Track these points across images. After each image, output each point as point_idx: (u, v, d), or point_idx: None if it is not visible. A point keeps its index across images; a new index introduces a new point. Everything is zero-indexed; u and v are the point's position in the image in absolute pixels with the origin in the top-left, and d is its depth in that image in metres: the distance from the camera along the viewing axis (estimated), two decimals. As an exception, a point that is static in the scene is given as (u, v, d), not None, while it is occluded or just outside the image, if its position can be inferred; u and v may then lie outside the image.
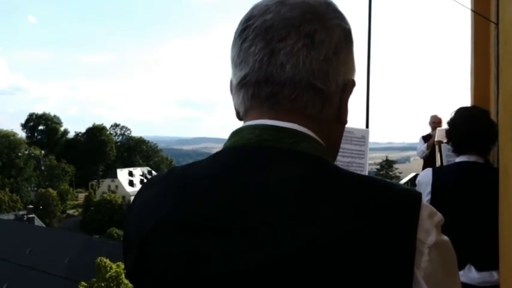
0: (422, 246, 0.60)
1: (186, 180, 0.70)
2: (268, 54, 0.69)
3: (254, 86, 0.71)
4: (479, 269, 2.25)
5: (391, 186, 0.65)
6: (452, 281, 0.66)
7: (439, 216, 0.64)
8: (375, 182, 0.65)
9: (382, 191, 0.63)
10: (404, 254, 0.59)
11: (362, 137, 1.83)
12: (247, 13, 0.73)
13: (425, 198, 2.36)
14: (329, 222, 0.60)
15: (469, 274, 2.25)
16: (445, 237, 0.64)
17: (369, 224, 0.59)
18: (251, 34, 0.70)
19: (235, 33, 0.74)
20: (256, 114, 0.72)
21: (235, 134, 0.73)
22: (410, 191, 0.64)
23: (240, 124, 0.76)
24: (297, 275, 0.58)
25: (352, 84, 0.75)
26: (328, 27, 0.71)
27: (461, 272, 2.24)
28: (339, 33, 0.72)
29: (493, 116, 2.61)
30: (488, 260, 2.25)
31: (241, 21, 0.74)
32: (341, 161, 1.77)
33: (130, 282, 0.74)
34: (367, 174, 1.86)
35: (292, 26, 0.69)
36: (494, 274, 2.25)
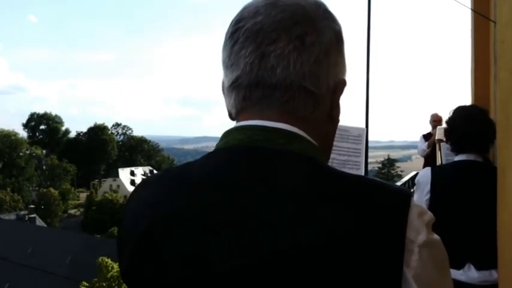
0: (412, 245, 0.60)
1: (182, 180, 0.71)
2: (258, 57, 0.68)
3: (245, 89, 0.71)
4: (478, 268, 2.25)
5: (382, 186, 0.65)
6: (443, 280, 0.66)
7: (429, 216, 0.64)
8: (366, 182, 0.65)
9: (373, 190, 0.64)
10: (394, 252, 0.59)
11: (358, 136, 1.82)
12: (238, 14, 0.73)
13: (425, 197, 2.36)
14: (321, 221, 0.60)
15: (469, 273, 2.25)
16: (436, 236, 0.64)
17: (360, 223, 0.60)
18: (241, 37, 0.70)
19: (226, 34, 0.74)
20: (248, 115, 0.72)
21: (227, 134, 0.73)
22: (401, 190, 0.65)
23: (232, 124, 0.76)
24: (294, 274, 0.58)
25: (343, 84, 0.75)
26: (319, 29, 0.70)
27: (460, 271, 2.24)
28: (330, 35, 0.72)
29: (492, 115, 2.61)
30: (487, 259, 2.24)
31: (231, 22, 0.73)
32: (337, 159, 1.78)
33: (125, 282, 0.74)
34: (363, 172, 1.86)
35: (282, 28, 0.68)
36: (494, 273, 2.24)
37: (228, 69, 0.73)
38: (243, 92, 0.71)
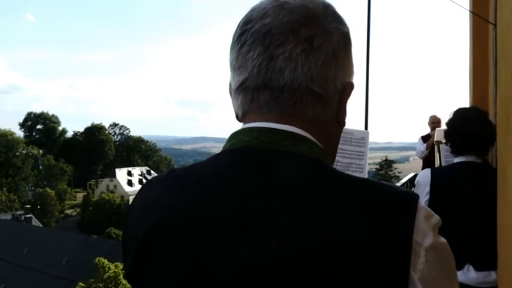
0: (418, 248, 0.60)
1: (186, 181, 0.71)
2: (266, 60, 0.68)
3: (253, 91, 0.71)
4: (477, 268, 2.26)
5: (388, 189, 0.65)
6: (450, 283, 0.66)
7: (436, 218, 0.64)
8: (372, 184, 0.65)
9: (379, 193, 0.64)
10: (400, 255, 0.59)
11: (362, 139, 1.83)
12: (246, 16, 0.73)
13: (424, 198, 2.37)
14: (327, 224, 0.60)
15: (468, 274, 2.26)
16: (443, 239, 0.64)
17: (366, 226, 0.59)
18: (249, 39, 0.70)
19: (234, 36, 0.73)
20: (255, 117, 0.72)
21: (234, 136, 0.73)
22: (407, 193, 0.65)
23: (239, 125, 0.76)
24: (297, 275, 0.58)
25: (351, 87, 0.75)
26: (327, 32, 0.70)
27: (459, 272, 2.24)
28: (338, 37, 0.72)
29: (491, 117, 2.62)
30: (486, 260, 2.25)
31: (239, 24, 0.73)
32: (341, 162, 1.78)
33: (129, 282, 0.74)
34: (366, 175, 1.86)
35: (290, 30, 0.68)
36: (493, 274, 2.25)
37: (236, 71, 0.72)
38: (251, 94, 0.71)
